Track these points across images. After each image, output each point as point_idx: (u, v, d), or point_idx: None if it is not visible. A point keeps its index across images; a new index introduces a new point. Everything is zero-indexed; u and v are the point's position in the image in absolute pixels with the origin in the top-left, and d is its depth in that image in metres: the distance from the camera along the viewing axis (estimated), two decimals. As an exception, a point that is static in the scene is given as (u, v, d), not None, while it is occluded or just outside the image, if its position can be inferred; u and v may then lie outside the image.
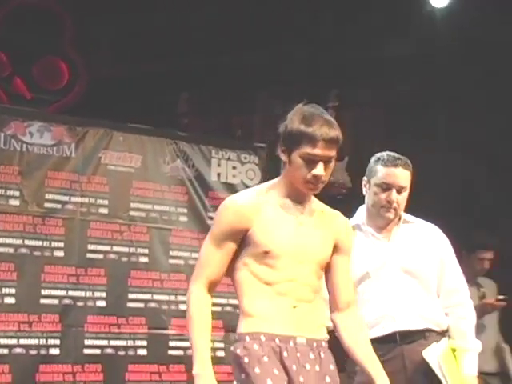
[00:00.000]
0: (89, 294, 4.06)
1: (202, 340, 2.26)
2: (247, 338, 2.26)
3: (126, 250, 4.19)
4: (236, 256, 2.33)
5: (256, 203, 2.32)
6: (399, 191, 2.90)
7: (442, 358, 2.82)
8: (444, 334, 2.91)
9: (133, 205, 4.25)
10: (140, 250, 4.22)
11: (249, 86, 5.48)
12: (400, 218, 2.99)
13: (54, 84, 5.09)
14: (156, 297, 4.22)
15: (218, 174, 4.52)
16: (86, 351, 4.01)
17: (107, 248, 4.14)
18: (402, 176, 2.91)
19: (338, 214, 2.48)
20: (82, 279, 4.05)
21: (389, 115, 5.53)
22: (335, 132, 2.28)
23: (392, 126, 5.47)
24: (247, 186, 4.29)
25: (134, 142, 4.32)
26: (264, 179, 4.07)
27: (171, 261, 4.31)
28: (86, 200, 4.12)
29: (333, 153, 2.29)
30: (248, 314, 2.30)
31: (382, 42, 5.18)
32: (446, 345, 2.87)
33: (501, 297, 4.60)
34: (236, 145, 4.70)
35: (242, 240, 2.32)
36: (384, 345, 2.80)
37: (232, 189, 4.39)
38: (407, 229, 2.99)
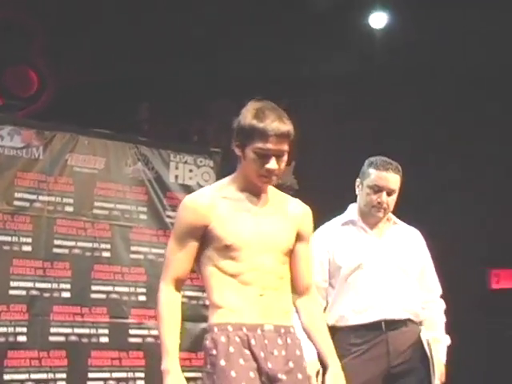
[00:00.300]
0: (54, 285, 4.15)
1: (170, 337, 2.28)
2: (215, 328, 2.28)
3: (89, 245, 4.30)
4: (200, 251, 2.34)
5: (212, 200, 2.32)
6: (389, 193, 3.05)
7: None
8: (420, 324, 3.12)
9: (96, 203, 4.36)
10: (103, 246, 4.34)
11: (204, 95, 5.55)
12: (389, 219, 3.16)
13: (24, 91, 5.14)
14: (117, 289, 4.33)
15: (176, 176, 4.64)
16: (52, 338, 4.10)
17: (72, 243, 4.25)
18: (393, 180, 3.05)
19: (297, 202, 2.47)
20: (48, 272, 4.15)
21: (333, 123, 5.66)
22: (287, 127, 2.26)
23: (336, 133, 5.62)
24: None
25: (98, 146, 4.41)
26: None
27: (132, 256, 4.42)
28: (52, 199, 4.22)
29: (285, 147, 2.27)
30: (217, 306, 2.30)
31: (327, 58, 5.35)
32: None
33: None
34: (192, 149, 4.82)
35: (203, 236, 2.31)
36: (371, 331, 3.02)
37: (188, 190, 4.47)
38: (396, 229, 3.19)
